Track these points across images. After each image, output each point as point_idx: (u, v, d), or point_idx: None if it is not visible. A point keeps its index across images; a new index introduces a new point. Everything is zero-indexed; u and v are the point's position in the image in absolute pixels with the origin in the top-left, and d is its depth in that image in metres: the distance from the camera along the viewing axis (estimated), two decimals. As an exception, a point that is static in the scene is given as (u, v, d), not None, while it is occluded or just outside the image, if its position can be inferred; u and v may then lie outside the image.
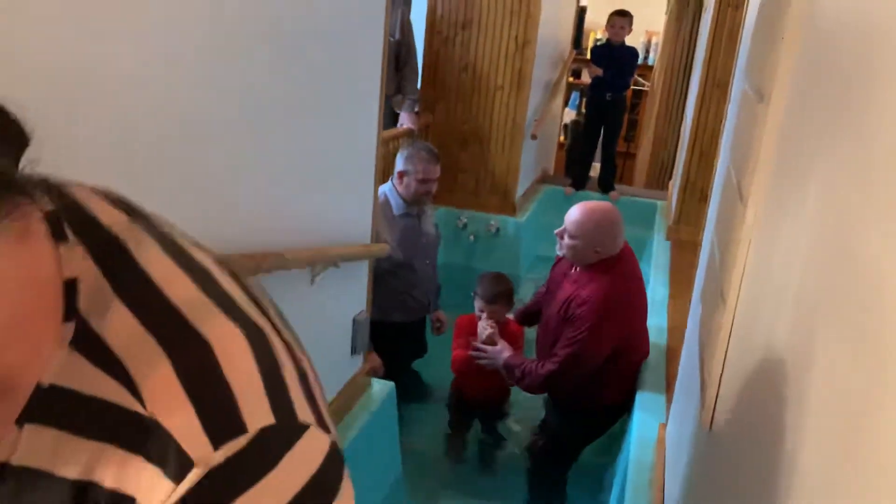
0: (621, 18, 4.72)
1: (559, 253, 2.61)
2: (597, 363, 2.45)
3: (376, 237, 2.45)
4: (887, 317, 0.51)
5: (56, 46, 0.96)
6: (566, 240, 2.49)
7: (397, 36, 3.92)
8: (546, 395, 2.83)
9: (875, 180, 0.59)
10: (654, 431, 2.24)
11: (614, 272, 2.47)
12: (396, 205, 2.96)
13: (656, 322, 3.16)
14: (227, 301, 0.49)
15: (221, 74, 1.33)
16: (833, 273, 0.67)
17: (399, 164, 2.95)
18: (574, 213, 2.49)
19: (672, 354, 2.80)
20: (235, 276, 0.53)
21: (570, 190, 5.13)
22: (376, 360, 2.67)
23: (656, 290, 3.60)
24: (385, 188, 2.98)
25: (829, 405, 0.61)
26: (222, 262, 0.54)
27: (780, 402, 0.76)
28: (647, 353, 2.74)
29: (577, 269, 2.53)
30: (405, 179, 2.94)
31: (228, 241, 1.43)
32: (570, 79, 6.87)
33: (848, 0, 0.77)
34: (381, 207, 2.86)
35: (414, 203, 2.98)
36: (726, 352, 1.11)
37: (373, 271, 2.35)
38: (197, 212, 1.33)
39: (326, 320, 2.05)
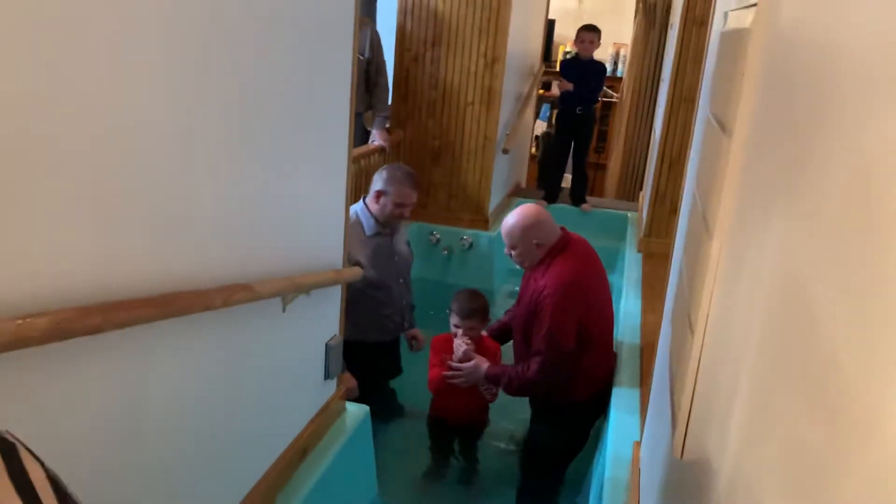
0: (590, 33, 4.77)
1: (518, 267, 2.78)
2: (570, 346, 2.52)
3: (349, 259, 2.45)
4: (837, 378, 0.52)
5: (16, 71, 0.95)
6: (513, 255, 2.70)
7: (367, 54, 3.93)
8: (526, 407, 2.86)
9: (825, 230, 0.60)
10: (629, 450, 2.25)
11: (566, 257, 2.60)
12: (368, 225, 2.95)
13: (629, 336, 3.19)
14: None
15: (186, 103, 1.32)
16: (788, 320, 0.68)
17: (377, 184, 2.95)
18: (503, 229, 2.71)
19: (646, 370, 2.82)
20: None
21: (543, 203, 5.16)
22: (351, 381, 2.65)
23: (629, 303, 3.63)
24: (356, 208, 2.97)
25: (789, 459, 0.61)
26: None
27: (745, 442, 0.77)
28: (611, 351, 2.79)
29: (536, 270, 2.65)
30: (382, 199, 2.93)
31: (196, 276, 1.42)
32: (540, 91, 6.91)
33: (805, 37, 0.79)
34: (352, 227, 2.85)
35: (386, 223, 2.97)
36: (695, 383, 1.12)
37: (346, 293, 2.34)
38: (162, 246, 1.31)
39: (299, 346, 2.04)
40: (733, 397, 0.86)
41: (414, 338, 3.18)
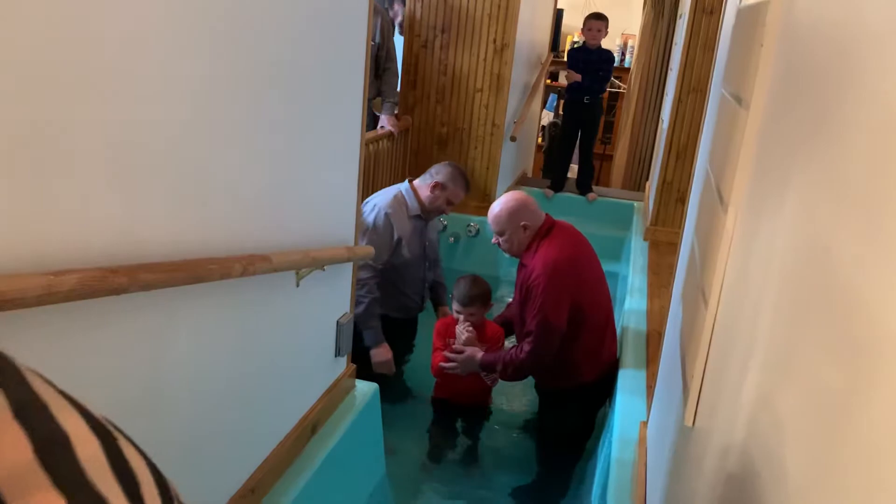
0: (597, 22, 4.77)
1: (509, 256, 2.83)
2: (562, 324, 2.54)
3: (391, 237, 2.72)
4: (861, 319, 0.53)
5: (49, 48, 0.97)
6: (501, 241, 2.74)
7: (377, 40, 3.94)
8: (531, 392, 2.89)
9: (847, 185, 0.62)
10: (636, 430, 2.27)
11: (552, 239, 2.64)
12: (412, 206, 3.10)
13: (635, 322, 3.21)
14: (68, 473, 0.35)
15: (207, 81, 1.34)
16: (808, 278, 0.69)
17: (440, 176, 3.10)
18: (490, 218, 2.76)
19: (652, 356, 2.84)
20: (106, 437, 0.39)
21: (549, 192, 5.17)
22: (388, 353, 2.88)
23: (635, 291, 3.64)
24: (401, 188, 3.12)
25: (809, 406, 0.63)
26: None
27: (761, 400, 0.79)
28: (611, 333, 2.79)
29: (524, 257, 2.70)
30: (437, 192, 3.08)
31: (217, 244, 1.44)
32: (548, 81, 6.92)
33: (823, 8, 0.80)
34: (396, 204, 2.96)
35: (429, 212, 3.12)
36: (708, 351, 1.14)
37: (355, 272, 2.36)
38: (186, 216, 1.34)
39: (310, 323, 2.06)
40: (747, 360, 0.88)
41: (444, 314, 3.29)
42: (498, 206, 2.72)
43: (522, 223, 2.66)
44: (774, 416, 0.74)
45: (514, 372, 2.67)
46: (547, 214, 2.75)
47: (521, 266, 2.69)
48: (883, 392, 0.49)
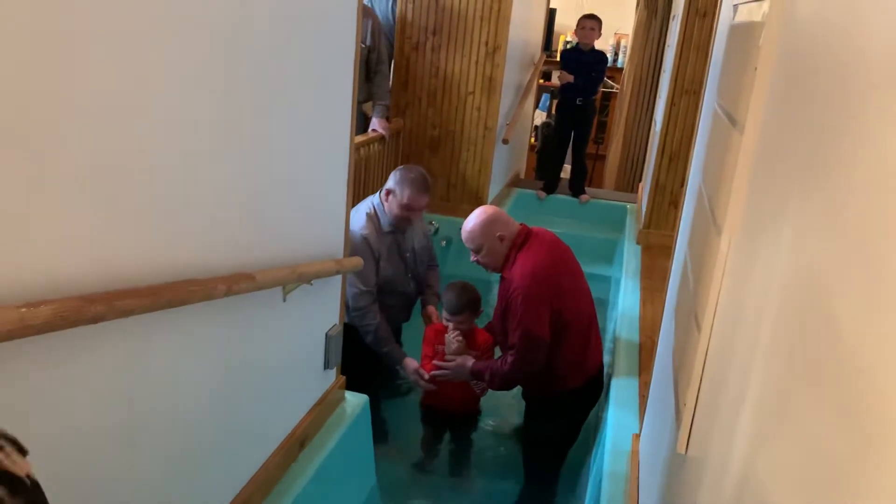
0: (590, 21, 4.75)
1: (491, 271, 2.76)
2: (545, 334, 2.50)
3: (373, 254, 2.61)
4: (861, 379, 0.51)
5: (17, 57, 0.93)
6: (479, 257, 2.67)
7: (368, 42, 3.90)
8: (520, 400, 2.87)
9: (849, 223, 0.60)
10: (628, 442, 2.25)
11: (528, 249, 2.59)
12: (384, 221, 2.95)
13: (628, 328, 3.19)
14: None
15: (186, 91, 1.30)
16: (805, 321, 0.67)
17: (389, 183, 2.93)
18: (464, 237, 2.68)
19: (644, 364, 2.82)
20: None
21: (542, 194, 5.15)
22: (413, 363, 2.83)
23: (627, 295, 3.62)
24: (374, 202, 2.97)
25: (804, 460, 0.61)
26: None
27: (756, 441, 0.77)
28: (595, 338, 2.75)
29: (504, 270, 2.64)
30: (390, 199, 2.92)
31: (198, 265, 1.41)
32: (541, 81, 6.88)
33: (823, 30, 0.78)
34: (369, 224, 2.85)
35: (397, 223, 2.95)
36: (701, 378, 1.12)
37: (345, 283, 2.33)
38: (164, 238, 1.30)
39: (299, 336, 2.03)
40: (743, 394, 0.86)
41: (428, 316, 3.16)
42: (470, 223, 2.65)
43: (497, 234, 2.60)
44: (769, 462, 0.72)
45: (501, 383, 2.65)
46: (522, 224, 2.69)
47: (502, 279, 2.66)
48: (878, 465, 0.46)
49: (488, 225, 2.61)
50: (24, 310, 0.92)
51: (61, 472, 1.13)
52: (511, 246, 2.61)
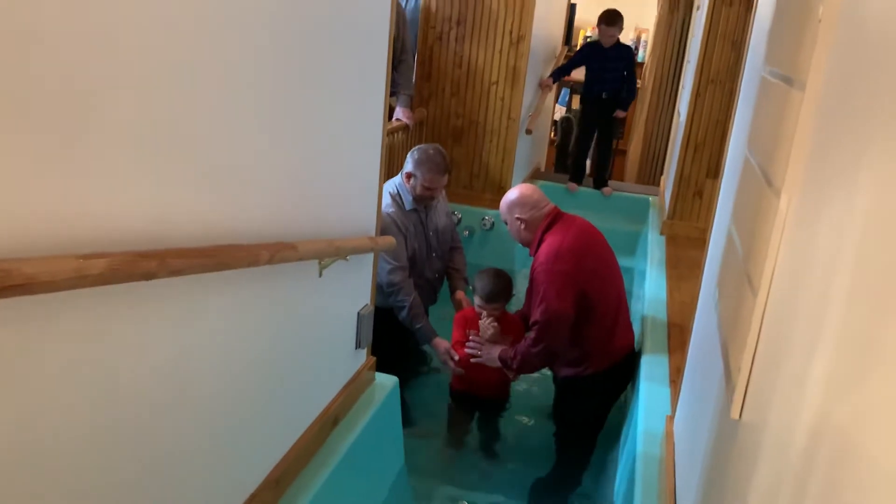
0: (610, 28, 4.57)
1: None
2: (568, 312, 2.51)
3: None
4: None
5: (79, 28, 0.93)
6: (510, 231, 2.80)
7: (392, 35, 3.90)
8: (550, 385, 2.85)
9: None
10: (661, 424, 2.23)
11: (555, 231, 2.63)
12: (406, 200, 3.01)
13: (655, 315, 3.16)
14: None
15: (232, 69, 1.30)
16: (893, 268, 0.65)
17: (408, 166, 2.98)
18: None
19: (674, 347, 2.80)
20: None
21: (573, 186, 5.08)
22: (444, 342, 2.85)
23: (654, 284, 3.60)
24: (396, 182, 3.02)
25: (884, 425, 0.59)
26: None
27: (837, 389, 0.75)
28: (624, 322, 2.73)
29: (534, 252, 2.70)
30: (412, 181, 2.97)
31: (242, 232, 1.41)
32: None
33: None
34: (393, 204, 2.90)
35: (420, 201, 3.02)
36: (757, 341, 1.10)
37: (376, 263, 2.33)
38: (214, 202, 1.30)
39: (332, 314, 2.03)
40: (812, 350, 0.84)
41: (458, 301, 3.19)
42: (505, 196, 2.79)
43: (516, 216, 2.70)
44: (852, 406, 0.70)
45: (524, 363, 2.64)
46: (553, 207, 2.73)
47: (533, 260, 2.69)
48: None
49: (511, 205, 2.73)
50: (82, 260, 0.92)
51: (102, 431, 1.13)
52: (539, 228, 2.65)
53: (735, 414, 1.15)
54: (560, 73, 5.02)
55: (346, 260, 1.90)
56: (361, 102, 1.97)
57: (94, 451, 1.11)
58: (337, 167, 1.87)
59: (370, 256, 2.23)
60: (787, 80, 1.14)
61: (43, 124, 0.90)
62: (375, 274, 2.31)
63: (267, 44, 1.41)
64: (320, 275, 1.82)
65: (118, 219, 1.07)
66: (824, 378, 0.79)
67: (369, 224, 2.16)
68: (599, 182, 5.10)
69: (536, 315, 2.52)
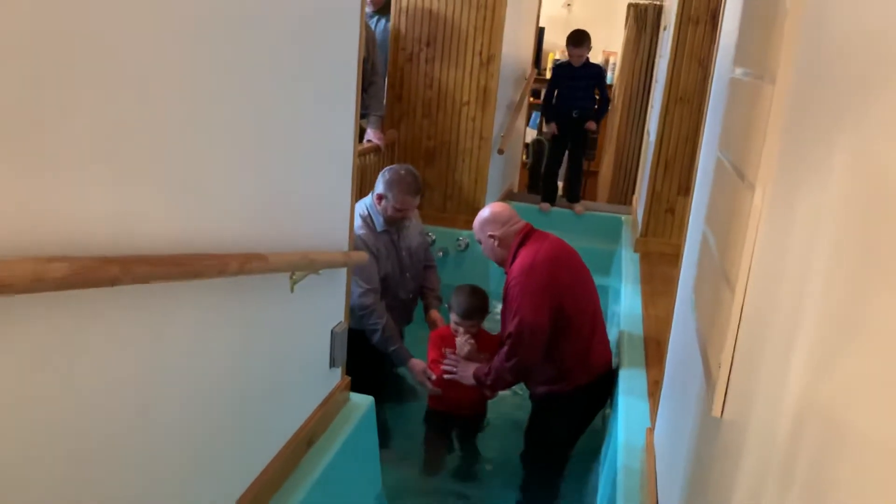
0: (577, 49, 4.65)
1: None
2: (543, 324, 2.49)
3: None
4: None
5: (43, 35, 0.90)
6: (483, 250, 2.82)
7: (362, 52, 3.90)
8: (526, 402, 2.82)
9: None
10: (642, 437, 2.21)
11: (528, 247, 2.64)
12: (378, 222, 2.96)
13: (631, 330, 3.16)
14: None
15: (204, 80, 1.28)
16: (872, 246, 0.64)
17: (379, 187, 2.93)
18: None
19: (651, 361, 2.79)
20: None
21: (545, 206, 5.09)
22: (420, 363, 2.82)
23: (629, 301, 3.60)
24: (366, 203, 2.98)
25: (882, 371, 0.58)
26: None
27: (819, 371, 0.74)
28: (599, 337, 2.72)
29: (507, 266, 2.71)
30: (383, 203, 2.93)
31: (211, 242, 1.37)
32: (531, 99, 6.91)
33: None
34: (364, 226, 2.86)
35: (391, 223, 2.98)
36: (737, 336, 1.09)
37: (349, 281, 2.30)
38: (181, 210, 1.27)
39: (305, 331, 1.99)
40: (794, 335, 0.83)
41: (433, 321, 3.15)
42: (478, 215, 2.82)
43: (489, 233, 2.71)
44: (836, 383, 0.69)
45: (497, 379, 2.61)
46: (526, 224, 2.74)
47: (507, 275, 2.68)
48: None
49: (483, 223, 2.75)
50: (43, 262, 0.88)
51: (59, 449, 1.09)
52: (513, 244, 2.66)
53: (717, 411, 1.13)
54: (548, 107, 5.02)
55: (319, 274, 1.87)
56: (332, 120, 1.96)
57: (50, 471, 1.06)
58: (308, 183, 1.85)
59: (343, 272, 2.19)
60: (758, 76, 1.15)
61: (3, 129, 0.87)
62: (349, 292, 2.28)
63: (238, 58, 1.39)
64: (292, 290, 1.79)
65: (82, 225, 1.03)
66: (806, 362, 0.78)
67: (342, 240, 2.13)
68: (572, 198, 5.11)
69: (510, 327, 2.50)
